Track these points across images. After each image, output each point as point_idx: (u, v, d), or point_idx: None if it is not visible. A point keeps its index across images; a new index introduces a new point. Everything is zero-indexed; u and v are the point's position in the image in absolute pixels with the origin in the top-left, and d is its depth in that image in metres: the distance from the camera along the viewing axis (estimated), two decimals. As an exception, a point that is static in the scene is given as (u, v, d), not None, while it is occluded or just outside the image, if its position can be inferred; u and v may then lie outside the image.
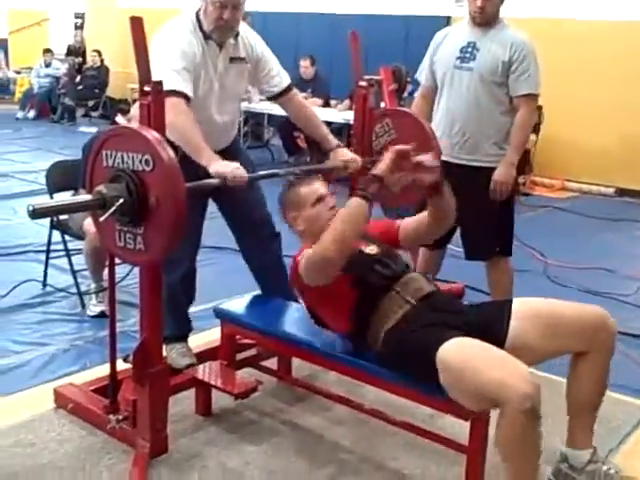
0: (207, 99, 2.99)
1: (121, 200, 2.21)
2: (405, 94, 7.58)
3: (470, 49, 3.57)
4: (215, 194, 3.01)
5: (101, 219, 2.24)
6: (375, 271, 2.58)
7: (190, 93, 2.81)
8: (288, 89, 3.22)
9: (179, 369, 3.03)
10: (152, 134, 2.25)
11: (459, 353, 2.23)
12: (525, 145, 3.84)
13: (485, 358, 2.20)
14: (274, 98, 3.24)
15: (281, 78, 3.20)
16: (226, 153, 3.10)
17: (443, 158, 3.56)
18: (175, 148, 2.74)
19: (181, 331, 3.18)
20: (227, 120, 3.12)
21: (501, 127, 3.58)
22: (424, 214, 2.77)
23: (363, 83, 3.37)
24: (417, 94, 3.95)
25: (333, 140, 3.22)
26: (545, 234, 6.08)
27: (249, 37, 3.11)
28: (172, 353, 3.10)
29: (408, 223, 2.84)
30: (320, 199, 2.70)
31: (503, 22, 3.60)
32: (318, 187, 2.74)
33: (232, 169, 2.68)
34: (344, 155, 3.14)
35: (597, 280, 4.92)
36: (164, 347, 2.89)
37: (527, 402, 2.06)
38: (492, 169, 3.57)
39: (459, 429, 2.58)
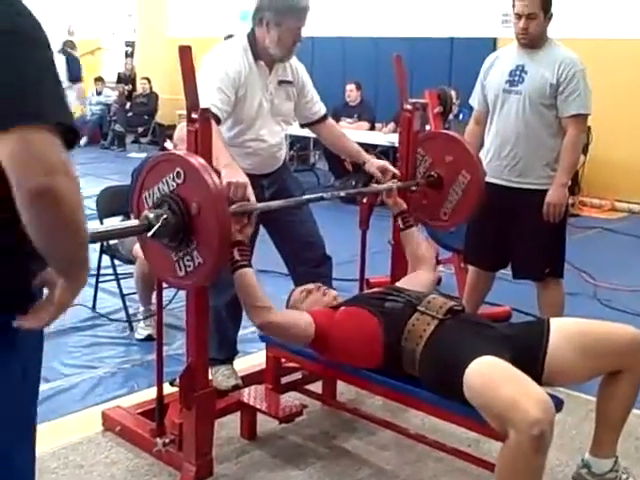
0: (257, 119, 3.06)
1: (165, 217, 2.23)
2: (450, 117, 7.58)
3: (519, 72, 3.56)
4: (264, 217, 3.02)
5: (149, 234, 2.24)
6: (388, 300, 2.63)
7: (221, 114, 2.87)
8: (325, 117, 3.35)
9: (225, 391, 3.04)
10: (198, 161, 2.28)
11: (484, 372, 2.22)
12: (576, 166, 3.82)
13: (503, 378, 2.18)
14: (310, 124, 3.35)
15: (320, 106, 3.32)
16: (276, 175, 3.14)
17: (495, 181, 3.59)
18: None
19: (227, 355, 3.20)
20: (277, 141, 3.17)
21: (551, 149, 3.55)
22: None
23: (408, 106, 3.38)
24: (471, 119, 3.93)
25: (366, 154, 3.34)
26: (595, 256, 6.00)
27: (294, 62, 3.20)
28: (217, 375, 3.12)
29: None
30: (309, 291, 2.89)
31: (552, 42, 3.57)
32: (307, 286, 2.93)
33: (236, 180, 2.63)
34: (377, 163, 3.26)
35: (649, 303, 4.82)
36: (209, 370, 2.91)
37: (535, 428, 2.01)
38: (543, 191, 3.54)
39: (505, 455, 2.54)
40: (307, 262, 3.25)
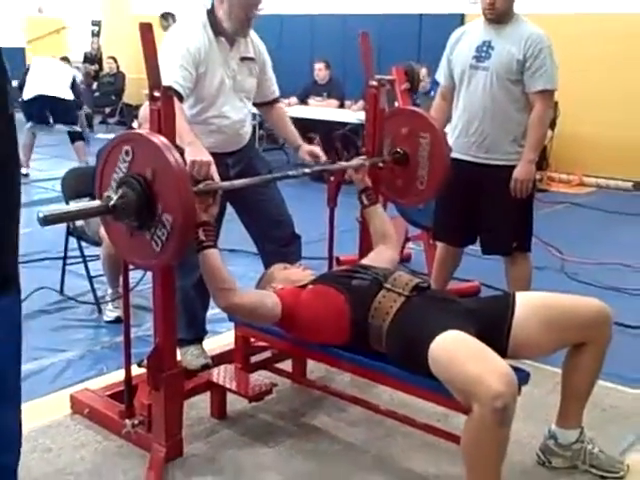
0: (219, 95, 3.04)
1: (124, 193, 2.23)
2: (421, 92, 7.58)
3: (485, 48, 3.56)
4: (231, 196, 3.01)
5: (110, 203, 2.23)
6: (355, 277, 2.64)
7: (183, 92, 2.85)
8: (278, 100, 3.38)
9: (194, 371, 3.04)
10: (160, 140, 2.26)
11: (447, 346, 2.24)
12: (543, 142, 3.83)
13: (468, 352, 2.20)
14: (264, 105, 3.35)
15: (275, 88, 3.34)
16: (241, 154, 3.12)
17: (462, 157, 3.60)
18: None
19: (196, 335, 3.19)
20: (240, 118, 3.15)
21: (518, 124, 3.56)
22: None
23: (374, 83, 3.37)
24: (437, 94, 3.93)
25: (300, 139, 3.36)
26: (562, 230, 6.06)
27: (256, 39, 3.18)
28: (187, 355, 3.11)
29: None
30: (286, 267, 2.92)
31: (519, 18, 3.57)
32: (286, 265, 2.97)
33: (200, 158, 2.62)
34: (307, 148, 3.28)
35: (615, 276, 4.88)
36: (178, 350, 2.90)
37: (498, 401, 2.03)
38: (511, 167, 3.55)
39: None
40: (276, 241, 3.25)
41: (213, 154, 2.75)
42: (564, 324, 2.46)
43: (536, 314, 2.45)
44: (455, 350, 2.23)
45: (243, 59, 3.10)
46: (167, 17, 9.36)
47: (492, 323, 2.44)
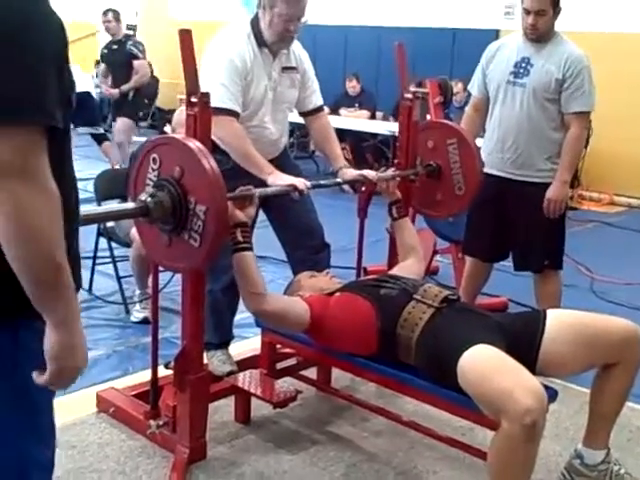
0: (261, 107, 3.03)
1: (159, 197, 2.25)
2: (455, 106, 7.58)
3: (524, 64, 3.54)
4: (265, 203, 3.02)
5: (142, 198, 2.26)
6: (383, 287, 2.63)
7: (239, 109, 2.87)
8: (320, 109, 3.31)
9: (220, 376, 3.05)
10: (196, 144, 2.28)
11: (477, 361, 2.22)
12: (577, 163, 3.81)
13: (498, 367, 2.18)
14: (307, 114, 3.29)
15: (318, 96, 3.28)
16: (275, 162, 3.11)
17: (495, 173, 3.59)
18: (227, 155, 2.86)
19: (222, 339, 3.20)
20: (279, 129, 3.15)
21: (553, 142, 3.55)
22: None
23: (408, 95, 3.37)
24: (468, 106, 3.92)
25: (342, 161, 3.24)
26: (592, 249, 5.99)
27: (298, 49, 3.17)
28: (213, 360, 3.11)
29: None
30: (313, 275, 2.91)
31: (559, 36, 3.54)
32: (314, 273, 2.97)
33: (288, 182, 2.78)
34: (351, 174, 3.16)
35: (645, 296, 4.83)
36: (205, 354, 2.91)
37: (527, 417, 2.01)
38: (544, 184, 3.54)
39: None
40: (306, 248, 3.23)
41: None
42: (595, 343, 2.43)
43: (567, 332, 2.43)
44: (485, 364, 2.21)
45: (284, 69, 3.09)
46: (107, 13, 8.54)
47: (522, 339, 2.42)
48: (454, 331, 2.39)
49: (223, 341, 3.19)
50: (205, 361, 2.95)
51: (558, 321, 2.46)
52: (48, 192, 1.24)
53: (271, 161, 3.13)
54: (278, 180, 2.82)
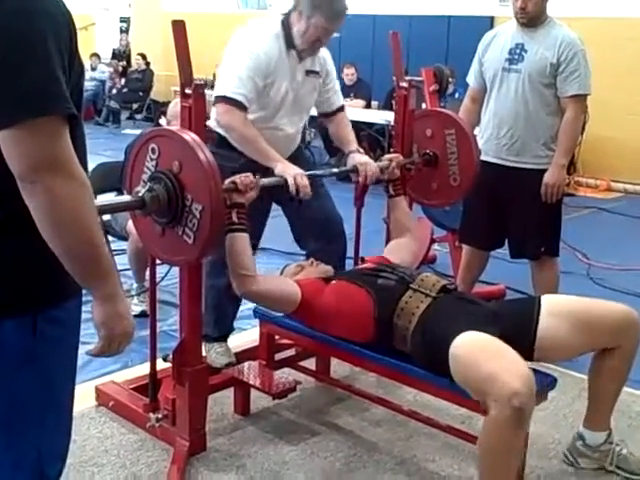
0: (280, 108, 2.98)
1: (155, 191, 2.24)
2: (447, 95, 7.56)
3: (518, 50, 3.53)
4: (278, 195, 2.96)
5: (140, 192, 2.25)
6: (381, 276, 2.63)
7: (247, 104, 2.81)
8: (342, 108, 3.25)
9: (218, 368, 3.05)
10: (191, 136, 2.27)
11: (467, 347, 2.23)
12: (575, 146, 3.81)
13: (487, 352, 2.19)
14: (327, 115, 3.24)
15: (339, 97, 3.24)
16: (289, 159, 3.02)
17: (491, 160, 3.59)
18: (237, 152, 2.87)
19: (221, 333, 3.18)
20: (294, 131, 3.10)
21: (549, 128, 3.54)
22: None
23: (404, 84, 3.37)
24: (466, 96, 3.91)
25: (353, 145, 3.18)
26: (589, 235, 6.00)
27: (322, 51, 3.11)
28: (211, 353, 3.10)
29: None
30: (303, 267, 2.91)
31: (552, 21, 3.54)
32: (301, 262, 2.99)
33: (295, 174, 2.73)
34: (357, 158, 3.12)
35: (641, 282, 4.83)
36: (203, 346, 2.91)
37: (515, 399, 2.01)
38: (541, 171, 3.53)
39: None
40: (323, 238, 3.16)
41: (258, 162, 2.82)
42: (591, 328, 2.44)
43: (564, 318, 2.43)
44: (474, 349, 2.22)
45: (308, 72, 3.04)
46: None
47: (518, 326, 2.43)
48: (448, 320, 2.39)
49: (222, 335, 3.18)
50: (204, 353, 2.96)
51: (554, 307, 2.47)
52: (77, 177, 1.31)
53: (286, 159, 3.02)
54: (286, 170, 2.77)
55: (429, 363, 2.40)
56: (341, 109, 3.25)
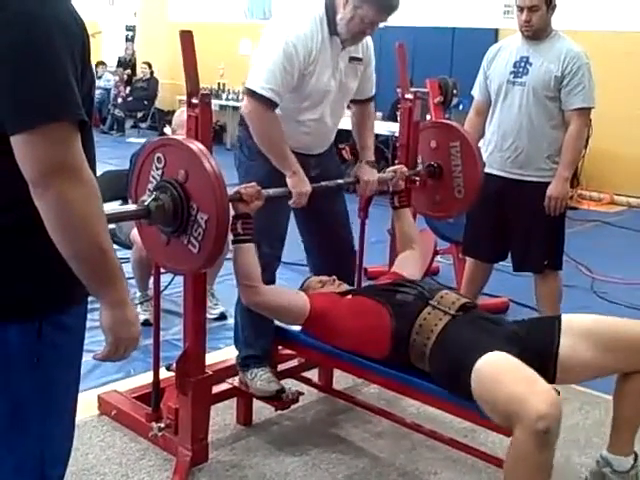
0: (323, 98, 2.82)
1: (161, 200, 2.24)
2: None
3: (523, 64, 3.54)
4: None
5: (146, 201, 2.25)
6: (399, 292, 2.61)
7: (278, 100, 2.66)
8: (372, 98, 3.15)
9: (266, 398, 2.86)
10: (197, 146, 2.28)
11: (492, 368, 2.20)
12: (578, 160, 3.81)
13: (512, 373, 2.16)
14: (357, 102, 3.09)
15: (372, 85, 3.11)
16: (322, 157, 3.00)
17: (495, 172, 3.59)
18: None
19: (265, 349, 2.90)
20: (335, 123, 2.97)
21: (553, 141, 3.54)
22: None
23: (409, 96, 3.37)
24: (471, 109, 3.91)
25: (368, 156, 3.10)
26: (592, 249, 6.00)
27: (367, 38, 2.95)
28: (255, 380, 2.84)
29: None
30: (324, 283, 2.87)
31: (557, 34, 3.55)
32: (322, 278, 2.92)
33: (299, 190, 2.69)
34: (363, 172, 3.03)
35: (645, 296, 4.83)
36: (243, 373, 2.87)
37: (541, 423, 1.98)
38: (544, 184, 3.54)
39: (500, 444, 2.56)
40: (333, 254, 3.08)
41: (297, 154, 2.76)
42: (615, 348, 2.36)
43: (586, 338, 2.36)
44: (498, 371, 2.18)
45: (352, 59, 2.88)
46: None
47: (539, 347, 2.37)
48: (469, 340, 2.35)
49: (266, 352, 2.92)
50: (232, 380, 2.94)
51: (574, 327, 2.40)
52: (88, 183, 1.34)
53: (319, 155, 2.99)
54: (297, 185, 2.70)
55: (449, 382, 2.36)
56: (371, 99, 3.13)
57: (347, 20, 2.70)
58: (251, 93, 2.67)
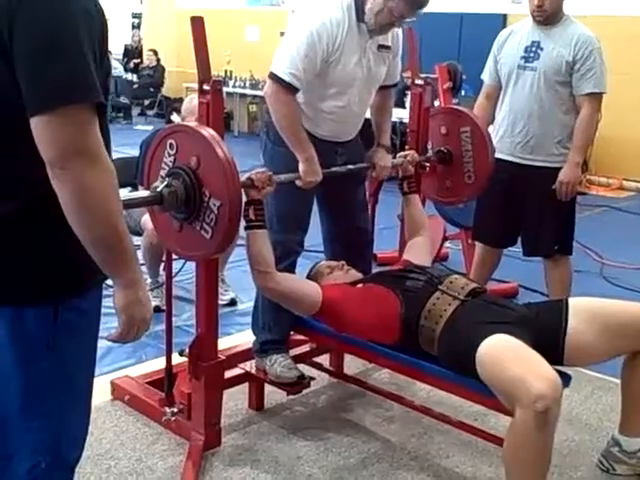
0: (350, 86, 2.81)
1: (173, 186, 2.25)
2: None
3: (534, 48, 3.52)
4: (319, 190, 2.85)
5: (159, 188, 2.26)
6: (409, 278, 2.62)
7: (299, 85, 2.68)
8: (396, 85, 3.14)
9: (288, 385, 2.86)
10: (209, 132, 2.28)
11: (494, 350, 2.22)
12: (589, 145, 3.78)
13: (514, 355, 2.18)
14: (381, 88, 3.03)
15: (398, 72, 3.10)
16: (350, 143, 2.99)
17: (506, 157, 3.59)
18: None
19: (283, 333, 2.92)
20: (362, 110, 2.95)
21: (564, 126, 3.53)
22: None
23: (419, 82, 3.36)
24: (480, 94, 3.90)
25: (385, 140, 3.09)
26: (602, 234, 5.99)
27: None
28: (275, 366, 2.85)
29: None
30: (332, 268, 2.87)
31: (569, 19, 3.53)
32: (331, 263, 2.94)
33: (309, 178, 2.71)
34: (380, 158, 3.03)
35: (654, 281, 4.82)
36: (262, 359, 2.88)
37: (540, 402, 2.00)
38: (555, 169, 3.53)
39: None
40: (350, 245, 3.08)
41: (323, 141, 2.78)
42: (621, 331, 2.39)
43: (591, 322, 2.39)
44: (501, 352, 2.21)
45: (380, 47, 2.86)
46: None
47: (546, 331, 2.39)
48: (476, 323, 2.37)
49: (284, 337, 2.94)
50: (243, 365, 2.95)
51: (581, 310, 2.42)
52: (105, 166, 1.35)
53: (346, 142, 2.97)
54: (308, 173, 2.71)
55: (456, 365, 2.39)
56: (395, 85, 3.13)
57: (376, 11, 2.70)
58: (273, 76, 2.70)
